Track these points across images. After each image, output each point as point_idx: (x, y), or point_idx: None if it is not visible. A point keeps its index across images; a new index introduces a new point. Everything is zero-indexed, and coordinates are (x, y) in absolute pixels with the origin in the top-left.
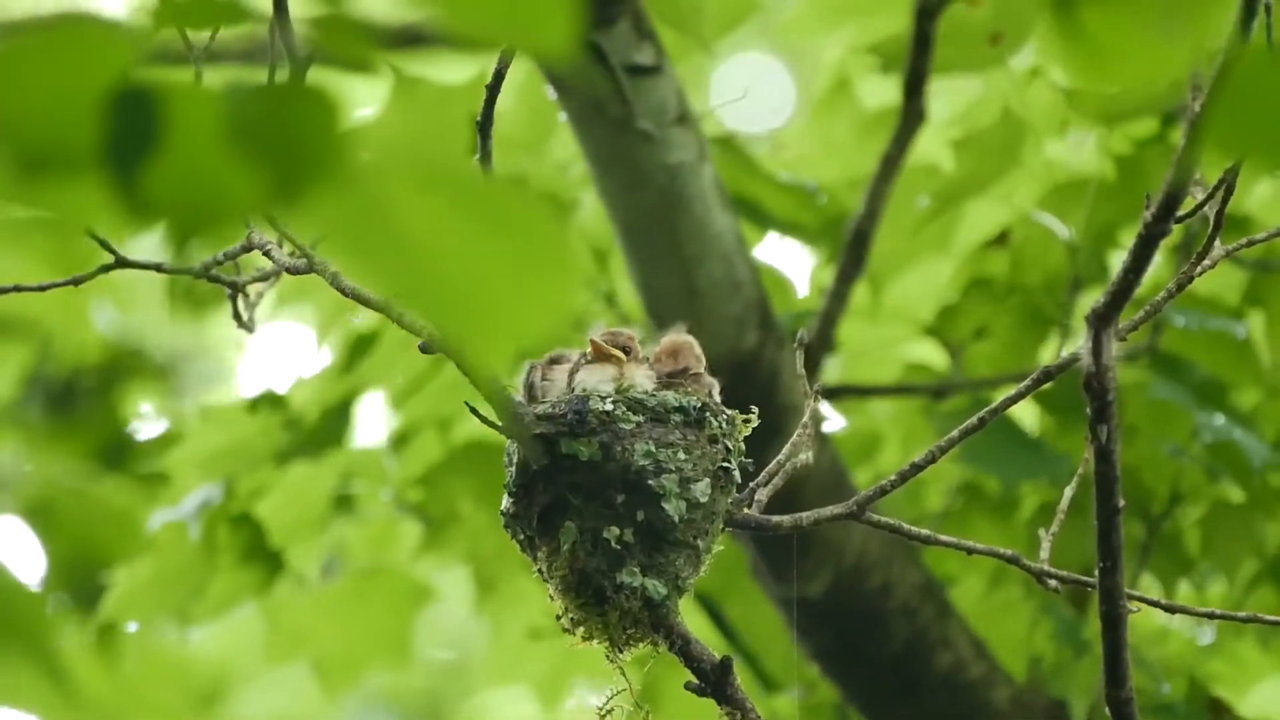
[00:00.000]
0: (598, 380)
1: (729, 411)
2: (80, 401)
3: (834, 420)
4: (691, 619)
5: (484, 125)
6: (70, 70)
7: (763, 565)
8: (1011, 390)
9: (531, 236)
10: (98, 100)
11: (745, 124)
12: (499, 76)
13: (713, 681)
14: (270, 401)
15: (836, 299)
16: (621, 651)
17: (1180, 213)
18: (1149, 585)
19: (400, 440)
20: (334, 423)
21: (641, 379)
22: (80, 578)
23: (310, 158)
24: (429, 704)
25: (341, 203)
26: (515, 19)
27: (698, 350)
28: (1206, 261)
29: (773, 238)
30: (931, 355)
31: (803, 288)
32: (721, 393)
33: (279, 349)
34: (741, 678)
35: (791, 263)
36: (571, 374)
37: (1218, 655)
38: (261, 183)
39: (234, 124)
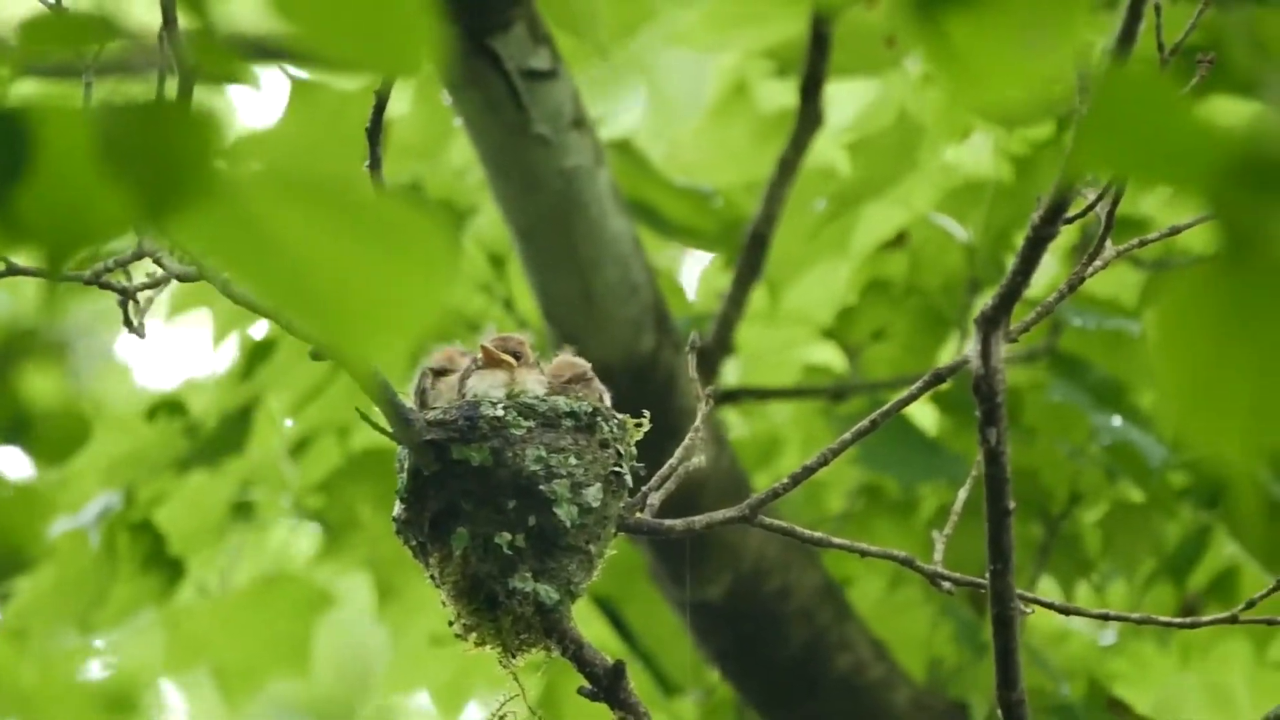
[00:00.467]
0: (489, 386)
1: (620, 416)
2: None
3: (732, 424)
4: (591, 622)
5: (373, 133)
6: None
7: (660, 569)
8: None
9: (404, 238)
10: None
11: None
12: (382, 96)
13: (605, 686)
14: (169, 408)
15: (734, 302)
16: (514, 657)
17: (1071, 214)
18: (1049, 586)
19: (299, 447)
20: (233, 429)
21: (533, 384)
22: None
23: (182, 175)
24: (334, 711)
25: (215, 218)
26: (373, 44)
27: (583, 364)
28: (1098, 262)
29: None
30: (830, 358)
31: (698, 291)
32: (613, 400)
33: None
34: (641, 681)
35: (689, 266)
36: (463, 379)
37: (1118, 655)
38: (134, 202)
39: (105, 143)
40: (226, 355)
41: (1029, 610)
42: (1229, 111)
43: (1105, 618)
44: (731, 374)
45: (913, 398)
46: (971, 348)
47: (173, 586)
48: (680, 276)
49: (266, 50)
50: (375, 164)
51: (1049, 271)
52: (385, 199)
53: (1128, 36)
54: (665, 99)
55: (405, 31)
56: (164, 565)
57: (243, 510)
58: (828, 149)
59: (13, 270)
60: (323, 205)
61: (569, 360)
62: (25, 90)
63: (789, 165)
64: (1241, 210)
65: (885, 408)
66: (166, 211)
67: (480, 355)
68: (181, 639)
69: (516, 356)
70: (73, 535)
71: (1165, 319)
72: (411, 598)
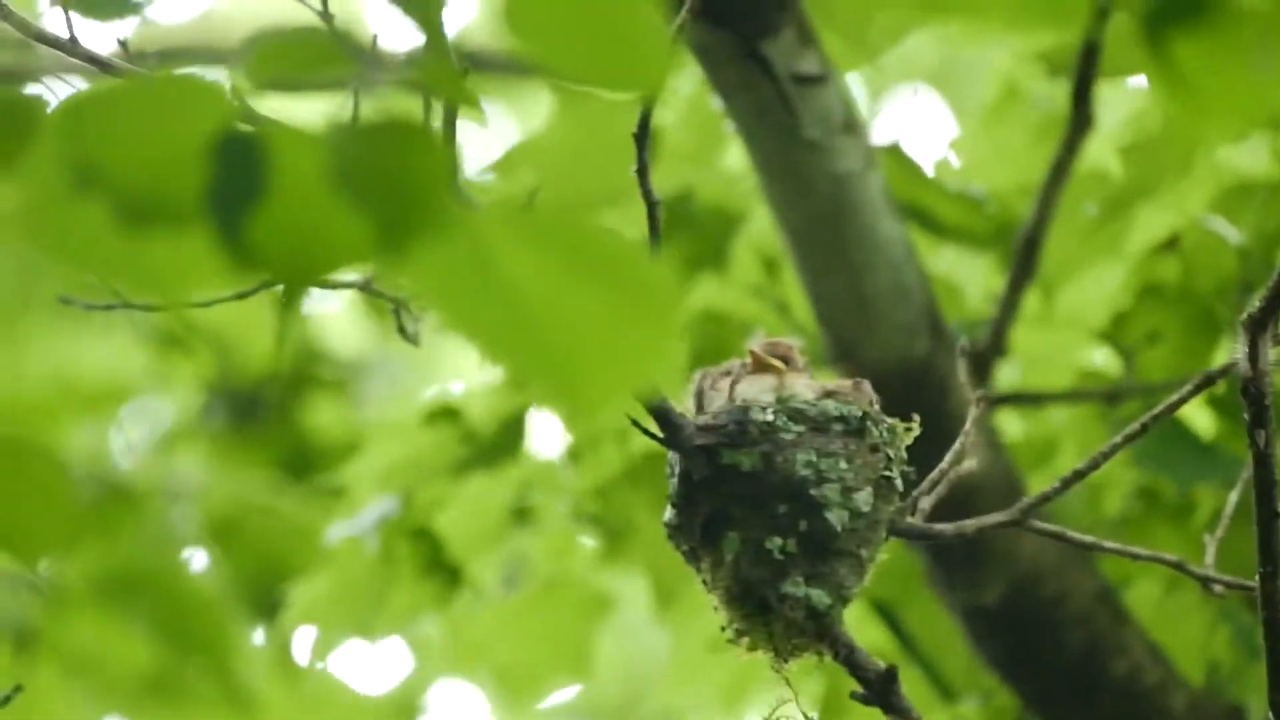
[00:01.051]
0: (758, 391)
1: (890, 420)
2: (263, 413)
3: (1007, 429)
4: (868, 627)
5: (640, 139)
6: (171, 119)
7: (937, 573)
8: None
9: (635, 290)
10: (200, 149)
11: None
12: (647, 105)
13: (878, 690)
14: (446, 414)
15: (1007, 306)
16: (786, 661)
17: None
18: None
19: (577, 453)
20: (510, 435)
21: (802, 388)
22: (261, 593)
23: (415, 203)
24: (615, 715)
25: (445, 252)
26: (611, 64)
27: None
28: None
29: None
30: (1105, 360)
31: (975, 295)
32: (884, 404)
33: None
34: (919, 685)
35: (963, 270)
36: (732, 385)
37: None
38: (367, 230)
39: (337, 169)
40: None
41: None
42: None
43: None
44: (1006, 377)
45: (1183, 401)
46: (1240, 350)
47: (452, 592)
48: (957, 280)
49: (504, 66)
50: (643, 170)
51: None
52: (613, 242)
53: None
54: (940, 102)
55: (644, 51)
56: (443, 570)
57: (521, 515)
58: (1101, 151)
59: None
60: (557, 249)
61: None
62: (261, 109)
63: (1061, 168)
64: None
65: (1155, 410)
66: (401, 241)
67: (749, 360)
68: (463, 644)
69: (785, 361)
70: (350, 541)
71: None
72: (689, 602)
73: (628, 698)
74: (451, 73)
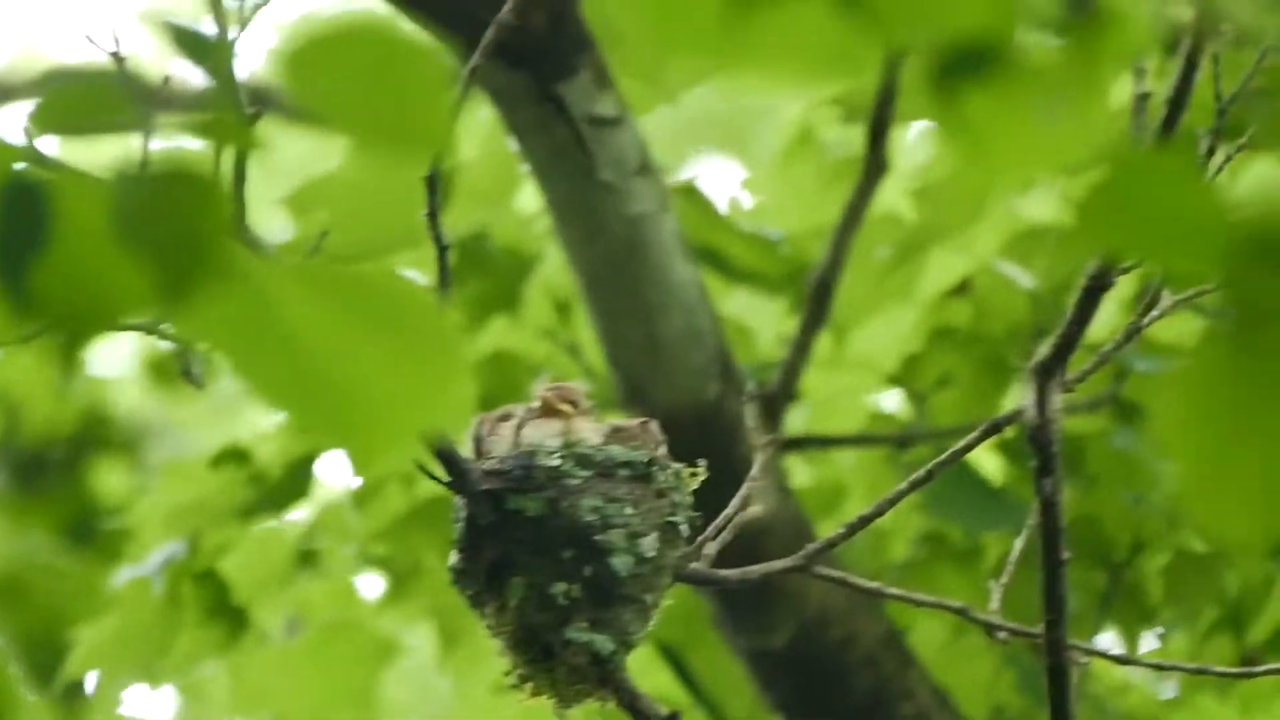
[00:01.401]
0: (544, 435)
1: (676, 465)
2: (49, 474)
3: (796, 473)
4: (655, 670)
5: (431, 181)
6: None
7: (724, 617)
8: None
9: (420, 335)
10: None
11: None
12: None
13: None
14: (233, 457)
15: (799, 349)
16: (569, 707)
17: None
18: (1112, 636)
19: (364, 495)
20: (297, 478)
21: (589, 433)
22: (45, 651)
23: (197, 251)
24: None
25: (228, 300)
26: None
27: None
28: (1155, 312)
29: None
30: (895, 404)
31: (767, 338)
32: (676, 448)
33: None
34: None
35: (756, 313)
36: (518, 429)
37: (1180, 708)
38: (149, 278)
39: (121, 216)
40: None
41: (1084, 661)
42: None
43: (1160, 667)
44: (797, 420)
45: (970, 447)
46: (1027, 397)
47: (237, 635)
48: (750, 323)
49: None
50: (433, 215)
51: (1112, 319)
52: (399, 288)
53: (1173, 117)
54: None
55: (426, 110)
56: (228, 614)
57: (308, 558)
58: (894, 196)
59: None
60: (341, 295)
61: (627, 424)
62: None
63: (855, 211)
64: (1253, 289)
65: (942, 457)
66: (183, 290)
67: (538, 404)
68: (246, 688)
69: (573, 405)
70: (136, 584)
71: (1174, 401)
72: (475, 646)
73: None
74: (240, 119)
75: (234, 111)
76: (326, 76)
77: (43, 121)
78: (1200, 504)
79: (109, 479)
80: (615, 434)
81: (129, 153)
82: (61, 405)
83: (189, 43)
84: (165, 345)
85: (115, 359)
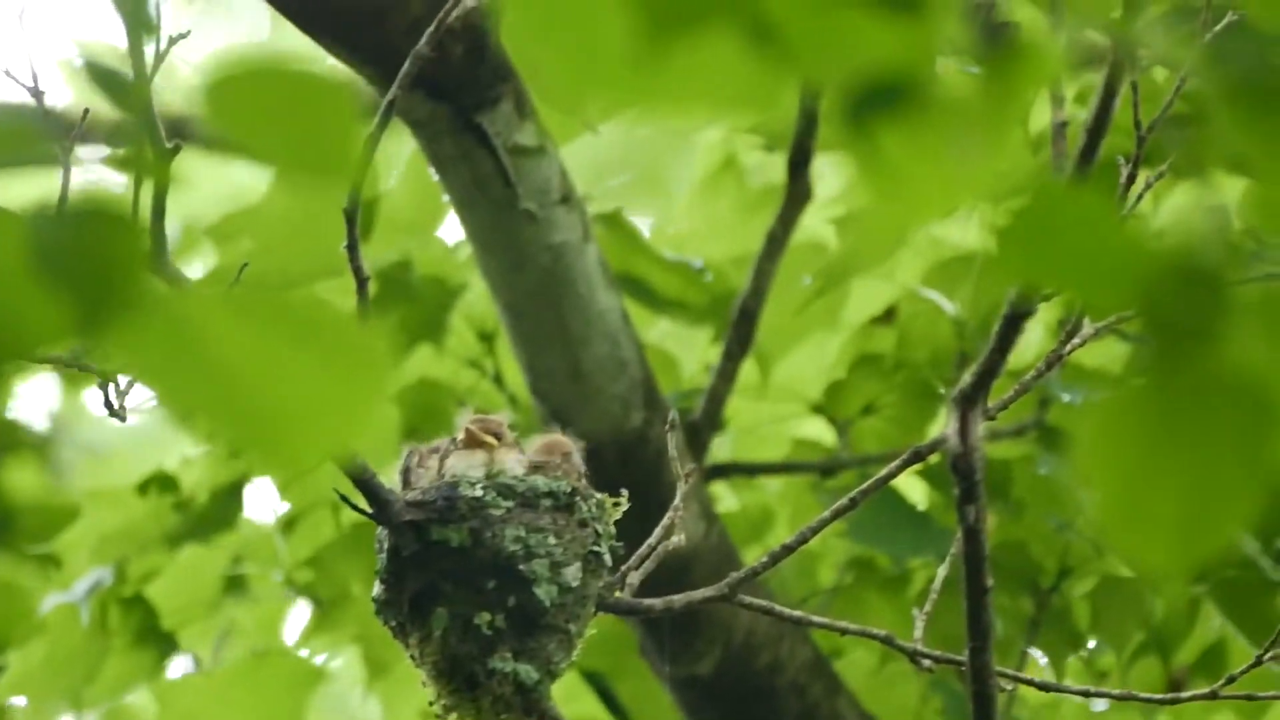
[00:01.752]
0: (468, 466)
1: (599, 495)
2: None
3: (722, 500)
4: (581, 698)
5: (350, 214)
6: None
7: (649, 645)
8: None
9: (340, 354)
10: None
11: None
12: (355, 194)
13: None
14: (160, 483)
15: (723, 377)
16: None
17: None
18: (1037, 660)
19: (290, 522)
20: (224, 504)
21: (512, 464)
22: None
23: (113, 284)
24: None
25: (148, 328)
26: (303, 154)
27: (571, 450)
28: (1076, 340)
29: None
30: (820, 432)
31: (691, 366)
32: (601, 476)
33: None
34: None
35: (680, 341)
36: (442, 460)
37: None
38: (67, 312)
39: (36, 250)
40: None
41: (1010, 688)
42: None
43: (1087, 694)
44: (723, 448)
45: (892, 475)
46: (950, 425)
47: (165, 661)
48: (673, 351)
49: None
50: (353, 246)
51: (1037, 345)
52: (320, 310)
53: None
54: (654, 173)
55: (339, 143)
56: (156, 640)
57: (235, 585)
58: (817, 223)
59: None
60: (262, 319)
61: (555, 439)
62: None
63: (777, 240)
64: (1169, 324)
65: (865, 485)
66: (100, 322)
67: (460, 436)
68: (174, 715)
69: (497, 437)
70: (63, 610)
71: (1093, 431)
72: (402, 673)
73: None
74: (159, 153)
75: (152, 147)
76: (243, 111)
77: None
78: (1119, 534)
79: (22, 480)
80: (538, 464)
81: (46, 188)
82: None
83: (106, 80)
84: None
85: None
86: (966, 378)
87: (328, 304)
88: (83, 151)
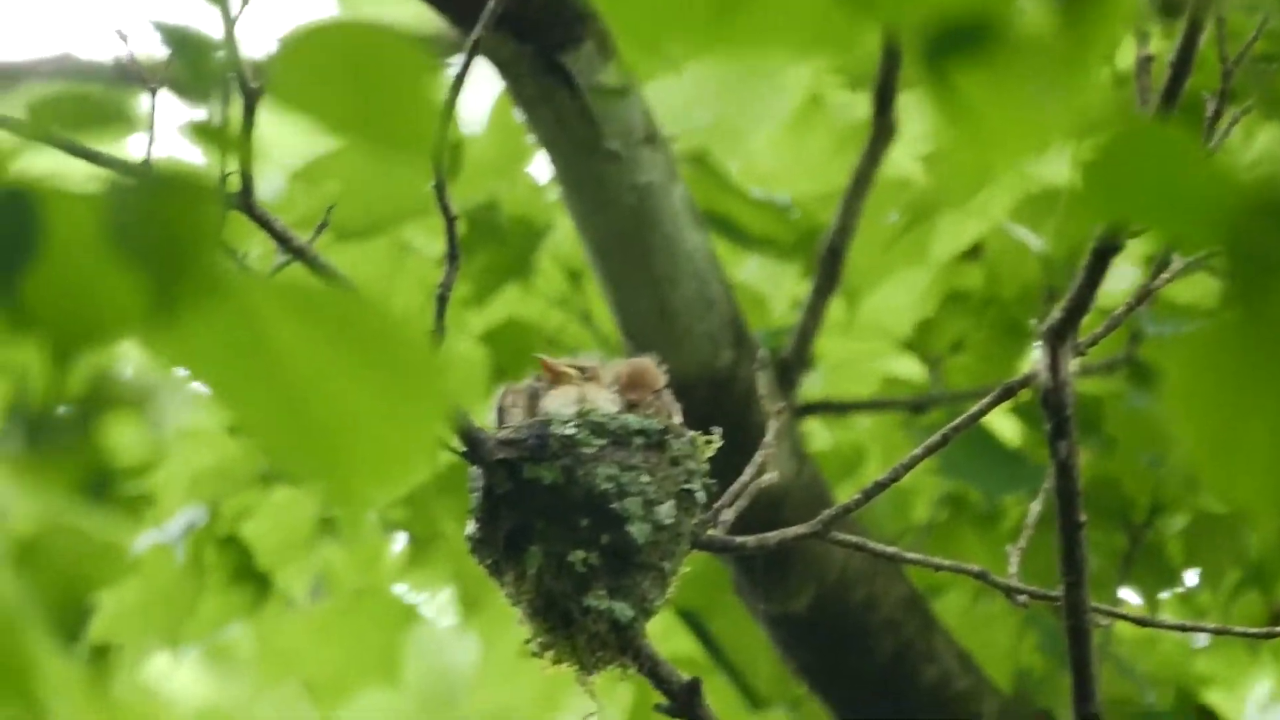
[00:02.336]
0: (560, 404)
1: (691, 433)
2: (61, 434)
3: (814, 438)
4: (677, 636)
5: (437, 154)
6: None
7: (744, 582)
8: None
9: (403, 371)
10: None
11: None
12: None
13: (681, 702)
14: None
15: (812, 315)
16: (591, 674)
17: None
18: (1131, 595)
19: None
20: None
21: (603, 402)
22: (68, 611)
23: (188, 263)
24: None
25: (215, 321)
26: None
27: (657, 374)
28: (1165, 274)
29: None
30: (910, 369)
31: (778, 304)
32: (689, 415)
33: None
34: (727, 694)
35: (768, 280)
36: (533, 398)
37: (1209, 658)
38: (140, 291)
39: (112, 229)
40: None
41: (1105, 623)
42: None
43: (1182, 628)
44: (813, 386)
45: (983, 412)
46: (1040, 361)
47: (260, 600)
48: (762, 289)
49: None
50: (440, 187)
51: (1132, 281)
52: (385, 321)
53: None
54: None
55: (416, 115)
56: (251, 579)
57: (329, 524)
58: (905, 159)
59: None
60: (328, 323)
61: (642, 363)
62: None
63: (864, 176)
64: (1256, 259)
65: (956, 422)
66: (173, 305)
67: (543, 370)
68: (272, 653)
69: (580, 371)
70: (158, 549)
71: (1183, 366)
72: (498, 610)
73: (439, 705)
74: (245, 93)
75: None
76: (317, 78)
77: (41, 122)
78: (1210, 469)
79: (121, 437)
80: (630, 400)
81: (125, 160)
82: (49, 393)
83: (186, 45)
84: None
85: None
86: (1056, 313)
87: (390, 310)
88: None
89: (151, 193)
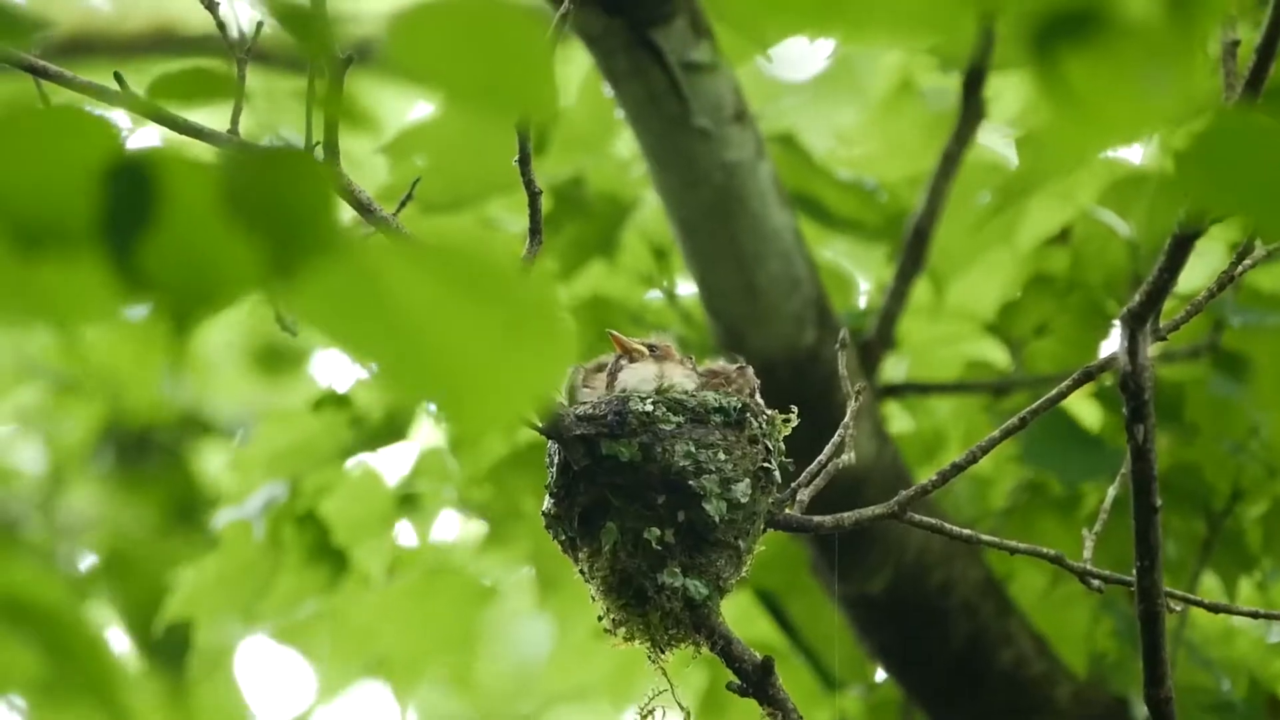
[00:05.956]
0: (638, 381)
1: (769, 411)
2: (153, 456)
3: (896, 421)
4: (754, 617)
5: (523, 129)
6: (64, 147)
7: (822, 563)
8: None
9: (523, 311)
10: (93, 176)
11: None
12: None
13: (754, 681)
14: (334, 401)
15: (896, 297)
16: (663, 652)
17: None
18: (1212, 583)
19: (461, 440)
20: (397, 422)
21: (681, 379)
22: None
23: (303, 227)
24: (500, 704)
25: (334, 276)
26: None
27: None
28: (1248, 261)
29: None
30: (993, 353)
31: (865, 285)
32: (773, 393)
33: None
34: (803, 676)
35: (854, 261)
36: (611, 375)
37: None
38: (259, 254)
39: (229, 195)
40: None
41: (1178, 608)
42: None
43: (1255, 615)
44: (896, 369)
45: (1063, 395)
46: (1119, 345)
47: (338, 578)
48: (847, 270)
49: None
50: (525, 160)
51: (1214, 267)
52: (501, 266)
53: (1260, 71)
54: (829, 94)
55: (532, 79)
56: (329, 556)
57: (408, 502)
58: (994, 142)
59: None
60: (443, 271)
61: (723, 366)
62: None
63: (951, 159)
64: None
65: (1035, 405)
66: (292, 263)
67: (615, 347)
68: (347, 631)
69: (651, 350)
70: (237, 526)
71: (1273, 353)
72: (575, 590)
73: (515, 683)
74: (333, 66)
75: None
76: (432, 46)
77: (158, 93)
78: None
79: (210, 464)
80: (709, 379)
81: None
82: (163, 391)
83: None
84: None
85: (217, 347)
86: (1136, 297)
87: (504, 254)
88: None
89: (267, 163)
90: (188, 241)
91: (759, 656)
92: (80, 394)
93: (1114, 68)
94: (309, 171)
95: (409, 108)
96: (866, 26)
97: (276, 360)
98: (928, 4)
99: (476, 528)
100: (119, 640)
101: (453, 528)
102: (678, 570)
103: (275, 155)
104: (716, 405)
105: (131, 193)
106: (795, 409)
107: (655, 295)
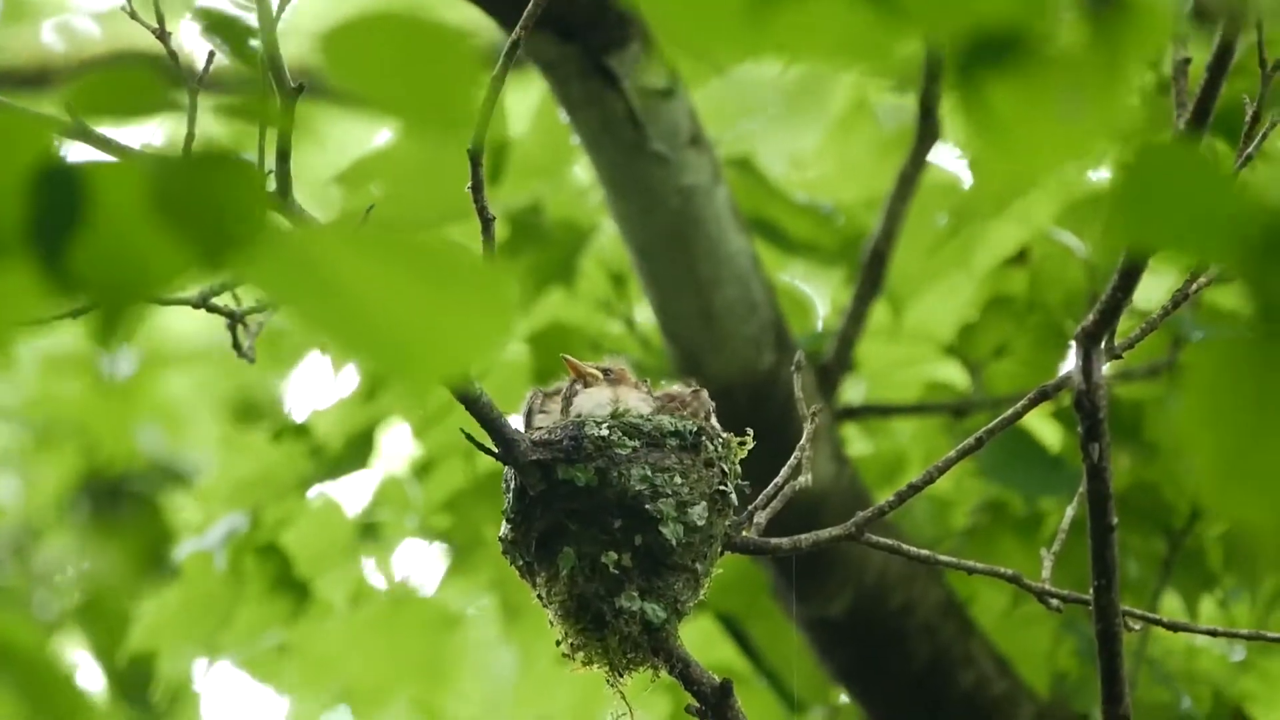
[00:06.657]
0: (594, 405)
1: (725, 435)
2: (126, 504)
3: (855, 443)
4: (714, 640)
5: (474, 155)
6: None
7: (782, 586)
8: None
9: (463, 280)
10: (20, 181)
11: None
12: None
13: (713, 704)
14: (293, 431)
15: (854, 319)
16: (622, 676)
17: None
18: (1173, 602)
19: (424, 468)
20: (357, 451)
21: (637, 403)
22: (129, 675)
23: (232, 225)
24: None
25: (276, 261)
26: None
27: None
28: (1202, 279)
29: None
30: (952, 374)
31: (823, 308)
32: (730, 417)
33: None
34: (765, 699)
35: (811, 284)
36: (567, 400)
37: (1248, 672)
38: (187, 253)
39: (157, 197)
40: (350, 378)
41: (1136, 626)
42: None
43: (1213, 633)
44: (855, 391)
45: (1019, 415)
46: (1073, 364)
47: (300, 608)
48: (804, 293)
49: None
50: (477, 187)
51: (1173, 285)
52: (453, 249)
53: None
54: (785, 117)
55: (458, 91)
56: (291, 587)
57: (369, 531)
58: (950, 163)
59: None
60: (386, 253)
61: (678, 390)
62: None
63: (908, 180)
64: (1274, 282)
65: (992, 424)
66: (221, 259)
67: (570, 372)
68: (312, 661)
69: (606, 374)
70: (199, 557)
71: (1196, 388)
72: (538, 618)
73: (482, 710)
74: (284, 94)
75: (277, 88)
76: (363, 61)
77: (84, 104)
78: (1215, 487)
79: (181, 514)
80: (665, 403)
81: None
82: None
83: (226, 27)
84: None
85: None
86: (1090, 316)
87: (452, 243)
88: (204, 100)
89: (194, 165)
90: (116, 241)
91: (717, 679)
92: (55, 445)
93: (1037, 94)
94: (239, 174)
95: (368, 137)
96: (801, 52)
97: (247, 412)
98: (862, 29)
99: (439, 556)
100: (92, 677)
101: (416, 557)
102: (635, 594)
103: (204, 156)
104: (672, 429)
105: (61, 196)
106: (751, 432)
107: (614, 322)
